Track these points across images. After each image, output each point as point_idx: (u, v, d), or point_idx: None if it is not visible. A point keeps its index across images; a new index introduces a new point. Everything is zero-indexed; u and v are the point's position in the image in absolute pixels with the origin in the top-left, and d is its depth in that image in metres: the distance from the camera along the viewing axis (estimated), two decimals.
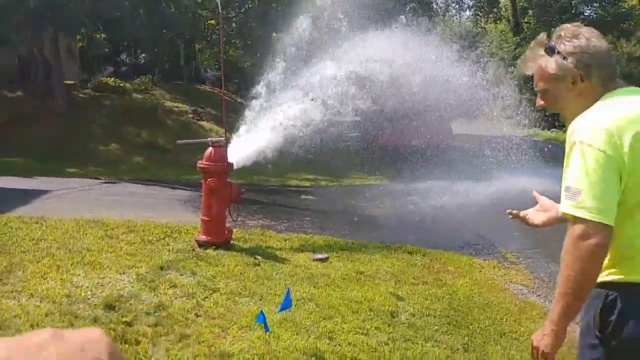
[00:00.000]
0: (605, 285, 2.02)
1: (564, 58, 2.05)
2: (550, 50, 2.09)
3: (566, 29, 2.11)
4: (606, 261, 1.98)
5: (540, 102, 2.22)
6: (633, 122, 1.93)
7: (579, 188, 1.91)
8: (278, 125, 8.08)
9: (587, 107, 2.03)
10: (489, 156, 13.83)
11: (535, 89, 2.20)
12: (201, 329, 3.97)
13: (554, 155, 16.41)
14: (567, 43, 2.06)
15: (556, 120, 26.24)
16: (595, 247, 1.89)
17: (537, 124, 27.44)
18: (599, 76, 2.04)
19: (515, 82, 16.05)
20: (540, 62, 2.12)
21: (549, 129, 28.93)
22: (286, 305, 3.55)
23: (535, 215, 2.52)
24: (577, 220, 1.91)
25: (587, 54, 2.03)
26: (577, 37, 2.06)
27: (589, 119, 1.97)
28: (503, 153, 14.43)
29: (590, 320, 2.05)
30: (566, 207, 1.95)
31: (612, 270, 2.02)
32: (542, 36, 2.17)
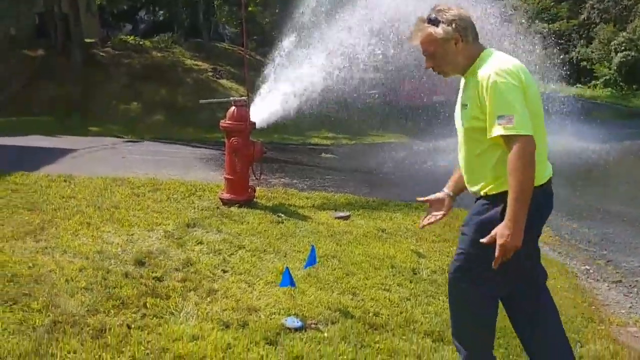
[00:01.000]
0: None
1: (448, 25, 2.66)
2: (435, 22, 2.68)
3: (442, 5, 2.71)
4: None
5: (429, 63, 2.79)
6: (521, 65, 2.63)
7: (510, 114, 2.49)
8: (298, 84, 8.07)
9: (466, 63, 2.71)
10: None
11: (425, 54, 2.76)
12: (228, 284, 4.09)
13: (576, 111, 16.20)
14: (447, 14, 2.67)
15: (581, 77, 25.76)
16: (532, 154, 2.49)
17: (563, 79, 26.96)
18: (471, 36, 2.70)
19: (539, 36, 15.74)
20: (428, 31, 2.69)
21: (573, 85, 28.41)
22: (312, 262, 3.63)
23: (437, 209, 3.08)
24: (516, 138, 2.48)
25: (462, 20, 2.68)
26: (452, 10, 2.69)
27: (499, 66, 2.57)
28: None
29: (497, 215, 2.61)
30: (504, 130, 2.49)
31: None
32: (422, 16, 2.73)
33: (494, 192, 2.68)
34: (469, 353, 2.86)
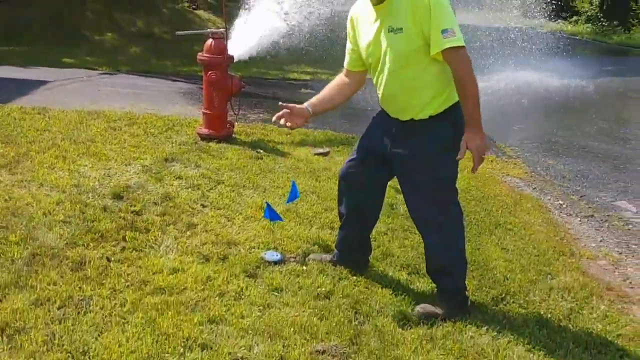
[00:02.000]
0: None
1: None
2: None
3: None
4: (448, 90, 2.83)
5: None
6: None
7: (452, 28, 2.64)
8: (277, 16, 7.87)
9: None
10: (494, 48, 13.57)
11: None
12: (207, 218, 4.11)
13: (557, 47, 16.13)
14: None
15: (562, 12, 25.50)
16: (468, 60, 2.70)
17: (544, 14, 26.66)
18: None
19: None
20: None
21: (553, 20, 28.15)
22: (293, 196, 3.65)
23: (292, 119, 3.09)
24: (461, 48, 2.66)
25: None
26: None
27: None
28: (508, 45, 14.15)
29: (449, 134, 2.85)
30: (450, 43, 2.64)
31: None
32: None
33: (440, 110, 2.86)
34: (463, 276, 3.14)
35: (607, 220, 5.28)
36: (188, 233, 3.83)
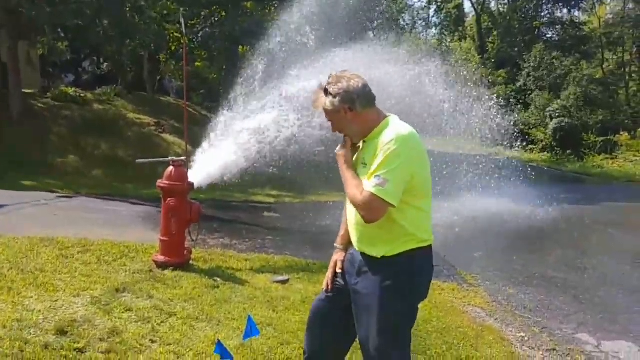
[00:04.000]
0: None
1: (334, 97, 2.87)
2: (326, 92, 2.90)
3: (333, 76, 2.93)
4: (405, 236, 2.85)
5: (333, 128, 3.01)
6: (415, 133, 2.83)
7: (388, 178, 2.69)
8: (242, 141, 8.00)
9: (364, 128, 2.91)
10: (453, 174, 13.98)
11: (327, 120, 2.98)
12: (155, 355, 3.89)
13: (515, 174, 16.73)
14: (333, 87, 2.88)
15: (518, 140, 26.74)
16: (373, 214, 2.74)
17: (500, 142, 27.89)
18: (361, 105, 2.87)
19: (478, 102, 16.31)
20: (321, 101, 2.93)
21: (511, 148, 29.46)
22: (250, 332, 3.49)
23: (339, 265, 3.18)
24: (378, 198, 2.69)
25: (348, 93, 2.86)
26: (340, 81, 2.89)
27: (397, 132, 2.77)
28: (467, 171, 14.62)
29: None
30: (373, 187, 2.70)
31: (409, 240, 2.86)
32: (321, 83, 2.95)
33: (390, 255, 2.85)
34: None
35: (569, 354, 5.18)
36: None
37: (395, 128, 2.81)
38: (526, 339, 5.52)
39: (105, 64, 26.83)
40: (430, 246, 2.95)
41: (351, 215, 3.01)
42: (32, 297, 4.63)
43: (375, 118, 2.91)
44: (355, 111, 2.87)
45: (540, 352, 5.20)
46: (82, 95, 18.73)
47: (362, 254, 2.95)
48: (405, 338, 2.95)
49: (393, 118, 2.92)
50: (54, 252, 6.01)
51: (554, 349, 5.28)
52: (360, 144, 2.99)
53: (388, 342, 2.86)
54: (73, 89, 19.32)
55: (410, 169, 2.76)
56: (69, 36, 18.50)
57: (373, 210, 2.73)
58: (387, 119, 2.90)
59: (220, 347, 3.45)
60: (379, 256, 2.86)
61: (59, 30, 16.74)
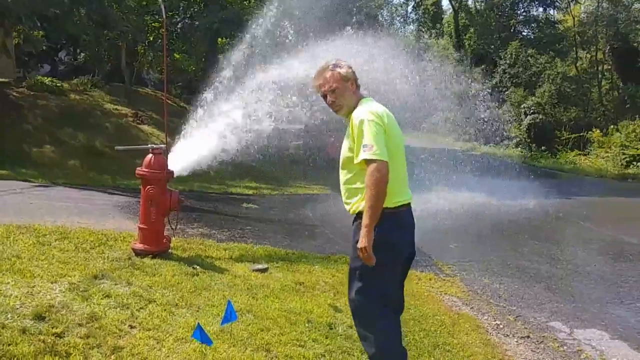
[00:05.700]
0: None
1: (348, 68, 3.51)
2: (337, 66, 3.50)
3: (339, 60, 3.55)
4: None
5: (331, 97, 3.51)
6: (386, 111, 3.40)
7: (371, 144, 3.17)
8: (221, 132, 7.99)
9: (354, 103, 3.47)
10: (431, 168, 14.14)
11: (326, 92, 3.50)
12: (135, 341, 3.89)
13: (490, 169, 16.93)
14: (342, 64, 3.53)
15: (493, 137, 27.04)
16: (383, 175, 3.14)
17: (476, 138, 28.22)
18: (358, 85, 3.54)
19: (455, 98, 16.47)
20: (334, 70, 3.48)
21: (486, 144, 29.78)
22: (229, 317, 3.52)
23: None
24: (372, 161, 3.15)
25: (353, 72, 3.54)
26: (345, 63, 3.54)
27: (369, 109, 3.34)
28: (443, 165, 14.78)
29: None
30: (365, 155, 3.17)
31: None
32: (325, 63, 3.54)
33: (358, 210, 3.35)
34: None
35: (543, 341, 5.29)
36: (113, 357, 3.60)
37: (368, 105, 3.41)
38: (501, 326, 5.62)
39: (82, 54, 26.42)
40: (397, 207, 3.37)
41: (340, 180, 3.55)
42: (8, 282, 4.59)
43: (359, 98, 3.53)
44: (356, 85, 3.52)
45: (515, 339, 5.31)
46: (58, 85, 18.45)
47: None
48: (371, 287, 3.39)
49: (370, 99, 3.53)
50: (31, 239, 5.96)
51: (528, 336, 5.39)
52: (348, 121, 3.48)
53: (355, 286, 3.46)
54: (49, 78, 19.02)
55: (383, 131, 3.26)
56: (46, 25, 18.14)
57: (376, 171, 3.14)
58: (365, 99, 3.52)
59: (200, 332, 3.47)
60: (356, 213, 3.40)
61: (36, 19, 16.38)
